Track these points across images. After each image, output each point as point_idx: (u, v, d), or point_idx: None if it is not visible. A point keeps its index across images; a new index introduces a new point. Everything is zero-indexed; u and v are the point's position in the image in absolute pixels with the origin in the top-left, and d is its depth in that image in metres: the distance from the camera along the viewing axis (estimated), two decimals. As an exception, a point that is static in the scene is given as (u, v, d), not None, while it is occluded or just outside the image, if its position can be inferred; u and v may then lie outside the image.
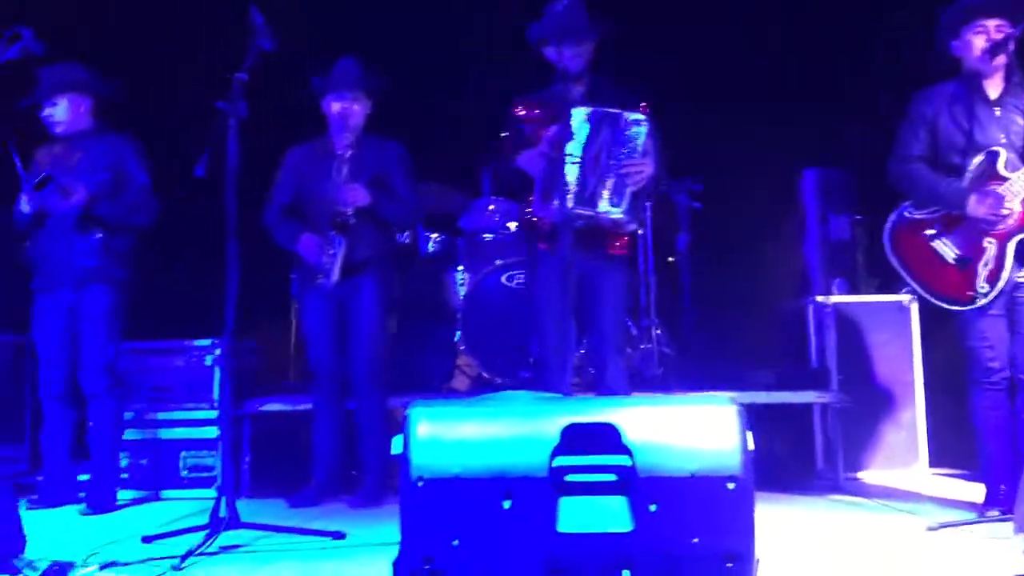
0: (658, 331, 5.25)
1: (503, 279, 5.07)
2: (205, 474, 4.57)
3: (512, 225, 5.37)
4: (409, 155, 4.37)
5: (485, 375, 4.96)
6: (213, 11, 5.22)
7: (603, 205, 3.53)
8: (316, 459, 4.28)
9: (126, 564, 2.87)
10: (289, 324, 5.22)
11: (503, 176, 4.09)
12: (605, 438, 2.18)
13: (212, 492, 4.51)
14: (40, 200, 4.09)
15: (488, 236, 5.42)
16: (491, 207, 5.47)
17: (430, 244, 5.72)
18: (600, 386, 3.76)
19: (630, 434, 2.16)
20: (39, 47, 3.63)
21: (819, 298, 4.93)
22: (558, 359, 3.66)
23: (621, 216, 3.56)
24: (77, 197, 4.05)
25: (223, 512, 3.07)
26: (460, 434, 2.19)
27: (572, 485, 2.14)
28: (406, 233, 5.52)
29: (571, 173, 3.53)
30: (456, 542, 2.11)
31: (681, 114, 4.55)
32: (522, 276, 5.02)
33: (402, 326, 5.22)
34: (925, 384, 4.83)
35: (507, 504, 2.13)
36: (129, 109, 4.49)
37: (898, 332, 4.86)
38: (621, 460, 2.16)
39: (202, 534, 3.03)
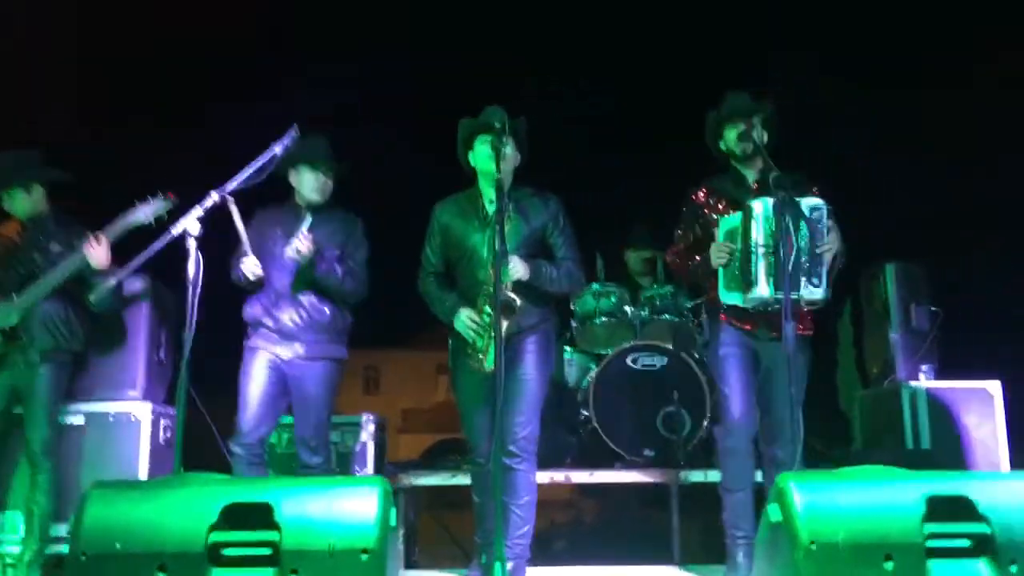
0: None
1: (629, 360, 5.38)
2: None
3: (628, 309, 5.70)
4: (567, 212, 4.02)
5: (616, 450, 5.21)
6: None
7: (803, 288, 3.69)
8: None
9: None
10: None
11: (678, 262, 4.20)
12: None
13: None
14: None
15: (602, 319, 5.72)
16: (604, 292, 5.78)
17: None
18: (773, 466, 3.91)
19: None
20: None
21: (912, 383, 5.35)
22: (746, 424, 3.89)
23: (822, 296, 3.74)
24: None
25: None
26: (845, 502, 2.49)
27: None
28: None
29: (763, 261, 3.72)
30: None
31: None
32: (646, 359, 5.36)
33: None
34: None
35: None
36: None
37: (984, 416, 5.31)
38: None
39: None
